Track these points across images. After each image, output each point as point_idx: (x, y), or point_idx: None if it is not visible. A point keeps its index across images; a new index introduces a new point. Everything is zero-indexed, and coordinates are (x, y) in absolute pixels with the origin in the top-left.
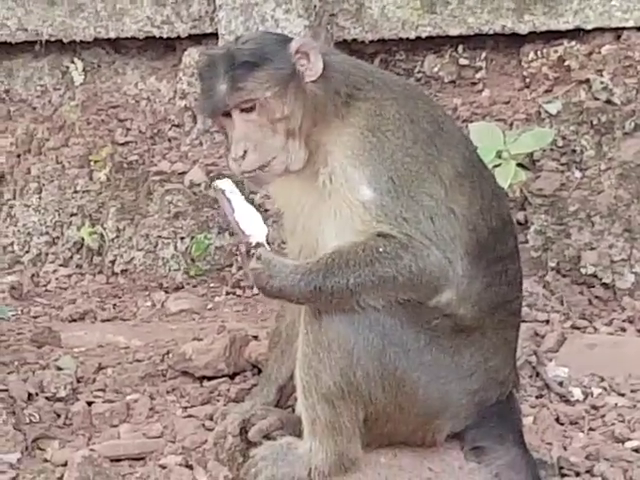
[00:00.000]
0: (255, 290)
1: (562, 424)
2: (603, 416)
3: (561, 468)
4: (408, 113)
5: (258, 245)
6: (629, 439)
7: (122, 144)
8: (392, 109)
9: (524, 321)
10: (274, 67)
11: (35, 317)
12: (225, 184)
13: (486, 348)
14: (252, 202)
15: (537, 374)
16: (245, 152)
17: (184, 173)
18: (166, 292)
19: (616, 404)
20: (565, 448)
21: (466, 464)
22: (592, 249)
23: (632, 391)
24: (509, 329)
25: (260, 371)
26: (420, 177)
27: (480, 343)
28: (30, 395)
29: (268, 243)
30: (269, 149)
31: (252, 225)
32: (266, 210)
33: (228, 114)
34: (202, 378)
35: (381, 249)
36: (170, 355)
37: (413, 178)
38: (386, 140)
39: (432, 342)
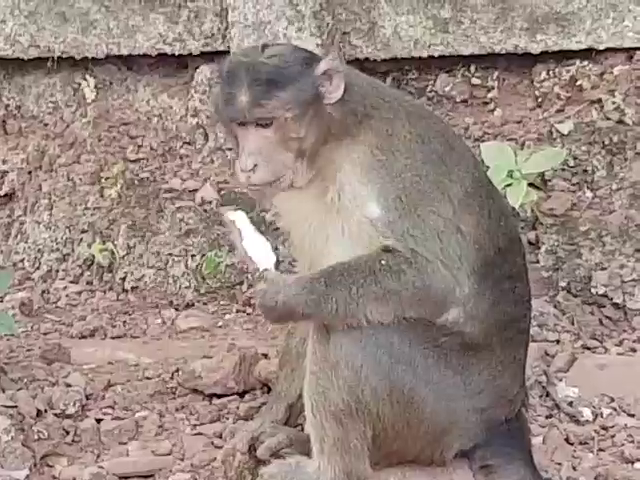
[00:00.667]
0: (261, 315)
1: (572, 444)
2: (613, 436)
3: None
4: (419, 133)
5: (265, 271)
6: (639, 460)
7: (133, 161)
8: (404, 129)
9: (534, 340)
10: (298, 88)
11: (45, 334)
12: (236, 215)
13: (494, 366)
14: (262, 232)
15: (547, 394)
16: (255, 166)
17: (195, 191)
18: (176, 309)
19: (626, 425)
20: (574, 468)
21: None
22: (603, 269)
23: None
24: (518, 347)
25: (269, 389)
26: (429, 196)
27: (488, 361)
28: (39, 412)
29: (277, 270)
30: (279, 167)
31: (261, 254)
32: (276, 228)
33: (244, 124)
34: (211, 396)
35: (383, 262)
36: (180, 373)
37: (422, 197)
38: (395, 159)
39: (440, 360)
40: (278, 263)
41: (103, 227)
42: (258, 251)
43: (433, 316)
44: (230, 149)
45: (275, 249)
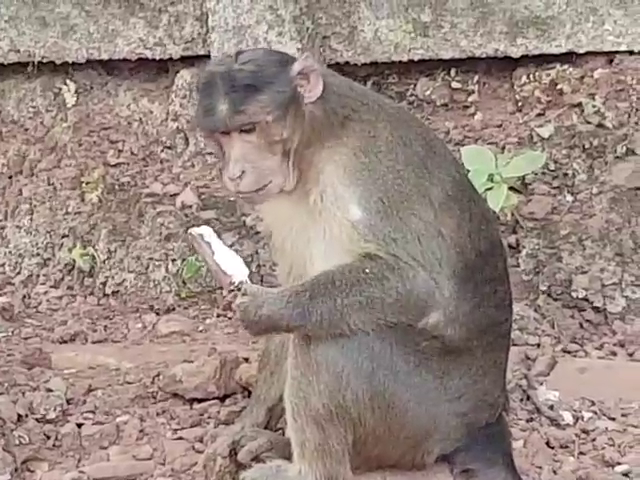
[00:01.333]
0: (243, 327)
1: (552, 448)
2: (593, 440)
3: None
4: (401, 136)
5: (241, 283)
6: (619, 463)
7: (114, 166)
8: (385, 131)
9: (515, 344)
10: (275, 90)
11: (26, 338)
12: (203, 230)
13: (475, 370)
14: (231, 246)
15: (528, 398)
16: (243, 172)
17: (176, 195)
18: (157, 314)
19: (606, 428)
20: (555, 472)
21: None
22: (583, 273)
23: (623, 415)
24: (498, 351)
25: (250, 393)
26: (410, 199)
27: (469, 365)
28: (20, 417)
29: (251, 281)
30: (267, 172)
31: (233, 266)
32: (257, 232)
33: (227, 132)
34: (192, 400)
35: (367, 270)
36: (160, 377)
37: (403, 200)
38: (378, 161)
39: (421, 364)
40: (251, 275)
41: (84, 232)
42: (230, 263)
43: (414, 320)
44: (211, 153)
45: (245, 262)
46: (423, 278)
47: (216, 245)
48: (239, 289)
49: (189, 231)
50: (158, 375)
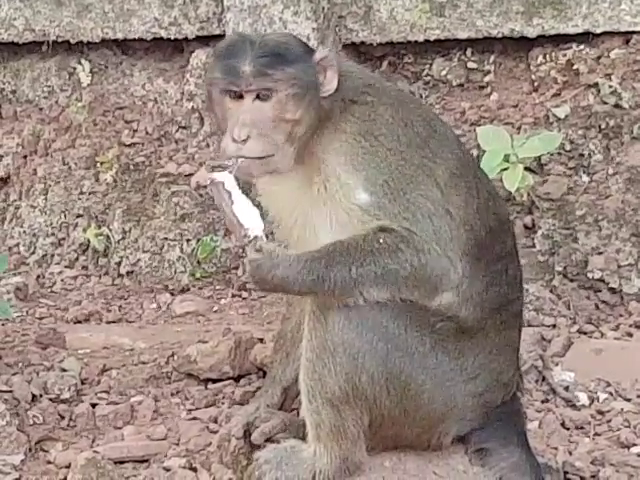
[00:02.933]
0: (250, 281)
1: (568, 429)
2: (609, 421)
3: (566, 473)
4: (402, 117)
5: (256, 238)
6: (635, 444)
7: (129, 145)
8: (386, 114)
9: (530, 325)
10: (302, 69)
11: (40, 318)
12: (225, 177)
13: (489, 350)
14: (252, 200)
15: (543, 378)
16: (248, 137)
17: (191, 175)
18: (172, 294)
19: (622, 409)
20: (570, 453)
21: (470, 467)
22: (599, 254)
23: (638, 396)
24: (511, 330)
25: (265, 374)
26: (415, 180)
27: (483, 345)
28: (34, 396)
29: (267, 237)
30: (270, 144)
31: (250, 219)
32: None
33: (240, 96)
34: (207, 380)
35: (381, 240)
36: (175, 357)
37: (408, 181)
38: (379, 144)
39: (436, 345)
40: (267, 230)
41: (98, 212)
42: (247, 216)
43: (428, 298)
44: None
45: (262, 216)
46: (438, 253)
47: (236, 195)
48: (253, 244)
49: (209, 176)
50: (172, 355)
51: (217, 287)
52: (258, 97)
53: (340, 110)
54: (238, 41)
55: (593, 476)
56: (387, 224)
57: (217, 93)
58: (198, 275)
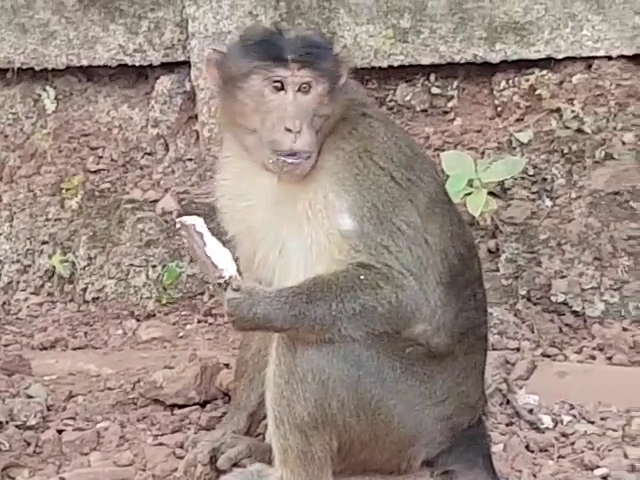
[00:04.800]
0: (229, 321)
1: (532, 451)
2: (573, 443)
3: None
4: (393, 134)
5: (231, 277)
6: (598, 466)
7: (94, 172)
8: (381, 131)
9: (495, 349)
10: (331, 64)
11: (6, 345)
12: (195, 220)
13: (457, 373)
14: (221, 241)
15: (507, 402)
16: (302, 129)
17: (156, 201)
18: (137, 320)
19: (585, 432)
20: (535, 475)
21: None
22: (562, 277)
23: (602, 419)
24: (478, 353)
25: (231, 399)
26: (400, 204)
27: (452, 368)
28: (0, 423)
29: (240, 275)
30: (315, 138)
31: (223, 260)
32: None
33: (282, 88)
34: (173, 406)
35: (362, 277)
36: (141, 383)
37: (395, 205)
38: (373, 163)
39: (407, 370)
40: (238, 270)
41: (64, 238)
42: (220, 257)
43: (399, 330)
44: (191, 159)
45: (235, 258)
46: (413, 289)
47: (207, 237)
48: (228, 284)
49: (180, 219)
50: (139, 381)
51: (183, 313)
52: (299, 89)
53: (345, 122)
54: (274, 32)
55: None
56: (365, 260)
57: (258, 81)
58: (164, 301)
